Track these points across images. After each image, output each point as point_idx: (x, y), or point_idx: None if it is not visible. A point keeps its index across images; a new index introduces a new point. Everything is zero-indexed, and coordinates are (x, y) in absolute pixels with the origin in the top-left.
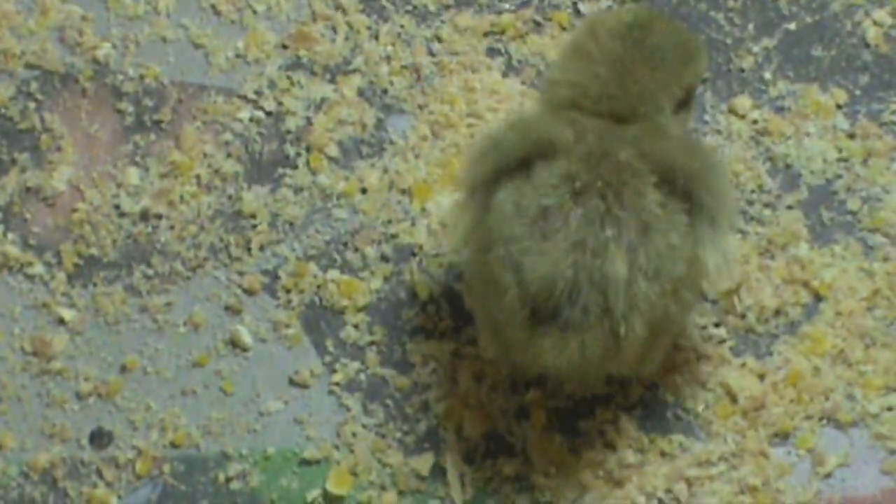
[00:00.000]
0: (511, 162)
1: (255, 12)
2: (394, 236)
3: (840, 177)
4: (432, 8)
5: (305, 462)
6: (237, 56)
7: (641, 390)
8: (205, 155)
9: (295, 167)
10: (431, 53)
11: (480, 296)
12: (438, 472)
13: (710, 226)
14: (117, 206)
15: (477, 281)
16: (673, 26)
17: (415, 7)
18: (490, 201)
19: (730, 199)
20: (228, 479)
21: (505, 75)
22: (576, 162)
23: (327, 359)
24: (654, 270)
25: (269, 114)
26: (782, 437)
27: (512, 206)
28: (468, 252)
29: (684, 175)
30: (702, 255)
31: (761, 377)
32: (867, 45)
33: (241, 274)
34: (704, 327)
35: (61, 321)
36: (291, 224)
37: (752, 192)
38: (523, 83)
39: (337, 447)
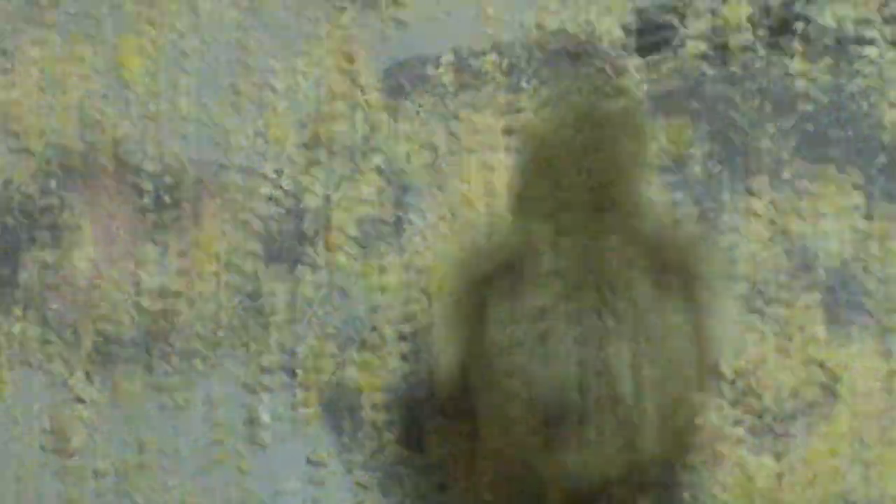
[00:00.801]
0: (493, 268)
1: (274, 91)
2: (412, 315)
3: (857, 258)
4: (450, 87)
5: None
6: (257, 135)
7: (657, 471)
8: (224, 234)
9: (313, 246)
10: (450, 132)
11: (486, 404)
12: None
13: (709, 294)
14: (136, 285)
15: (482, 391)
16: (610, 111)
17: (433, 86)
18: (478, 309)
19: (725, 264)
20: None
21: None
22: (563, 257)
23: (345, 439)
24: (657, 355)
25: (288, 192)
26: None
27: (505, 313)
28: (466, 364)
29: (675, 249)
30: (706, 325)
31: (777, 458)
32: (884, 127)
33: (259, 353)
34: (720, 408)
35: (79, 400)
36: (310, 303)
37: (768, 272)
38: None
39: None
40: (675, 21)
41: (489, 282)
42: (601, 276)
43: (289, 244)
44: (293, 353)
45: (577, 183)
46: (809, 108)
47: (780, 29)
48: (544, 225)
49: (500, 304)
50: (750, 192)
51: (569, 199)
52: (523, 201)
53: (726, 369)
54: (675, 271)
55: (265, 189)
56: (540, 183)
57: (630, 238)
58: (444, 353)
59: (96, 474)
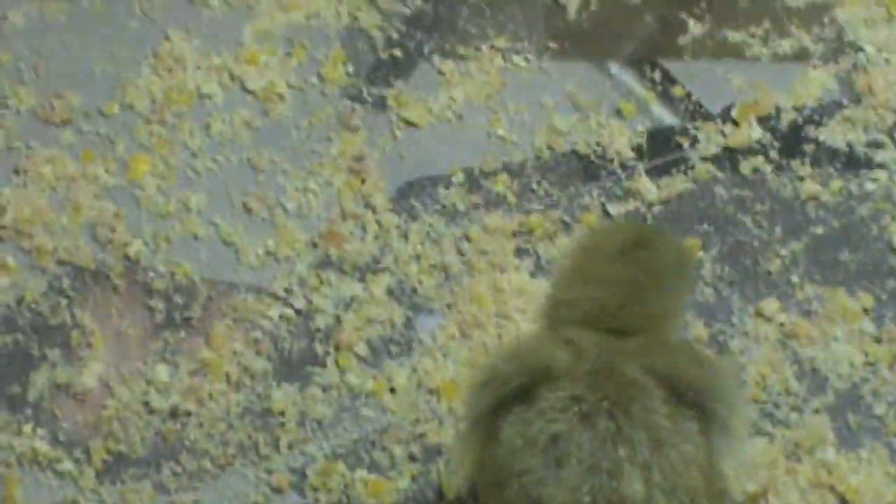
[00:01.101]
0: (511, 392)
1: (285, 210)
2: (422, 436)
3: (867, 381)
4: (461, 208)
5: None
6: (267, 254)
7: None
8: (234, 352)
9: (324, 365)
10: (460, 253)
11: None
12: None
13: (723, 435)
14: (146, 403)
15: None
16: (669, 241)
17: (444, 207)
18: (493, 432)
19: (741, 406)
20: None
21: (533, 276)
22: (579, 383)
23: None
24: (670, 485)
25: (298, 312)
26: None
27: (520, 438)
28: (480, 486)
29: (692, 387)
30: (719, 464)
31: None
32: (894, 250)
33: (269, 472)
34: None
35: None
36: (320, 422)
37: (779, 395)
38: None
39: None
40: (686, 143)
41: (505, 406)
42: (617, 404)
43: (299, 364)
44: (303, 473)
45: (612, 299)
46: (820, 230)
47: (790, 152)
48: (562, 352)
49: (514, 429)
50: (760, 315)
51: (600, 313)
52: (557, 305)
53: (737, 495)
54: (691, 405)
55: (276, 308)
56: (578, 289)
57: (650, 368)
58: (457, 476)
59: None
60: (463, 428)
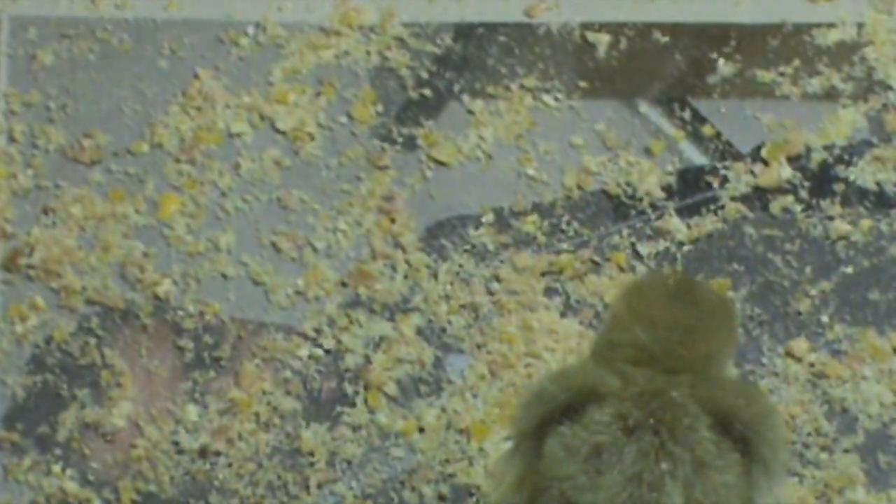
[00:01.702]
0: (555, 411)
1: (315, 250)
2: (451, 476)
3: None
4: (491, 247)
5: None
6: (297, 293)
7: None
8: (264, 392)
9: (353, 405)
10: (490, 293)
11: None
12: None
13: (764, 472)
14: (176, 443)
15: None
16: (709, 288)
17: (473, 246)
18: (536, 451)
19: (784, 448)
20: None
21: (563, 315)
22: (627, 403)
23: None
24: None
25: (327, 351)
26: None
27: (563, 450)
28: (519, 496)
29: (741, 422)
30: (757, 501)
31: None
32: None
33: None
34: None
35: None
36: (349, 462)
37: (809, 435)
38: (581, 323)
39: None
40: (716, 183)
41: (551, 424)
42: (662, 422)
43: (329, 404)
44: None
45: (661, 342)
46: (850, 270)
47: (820, 191)
48: (611, 377)
49: (558, 441)
50: (790, 355)
51: (649, 356)
52: (608, 346)
53: None
54: (736, 439)
55: (305, 348)
56: (629, 333)
57: (698, 398)
58: (496, 494)
59: None
60: (507, 446)
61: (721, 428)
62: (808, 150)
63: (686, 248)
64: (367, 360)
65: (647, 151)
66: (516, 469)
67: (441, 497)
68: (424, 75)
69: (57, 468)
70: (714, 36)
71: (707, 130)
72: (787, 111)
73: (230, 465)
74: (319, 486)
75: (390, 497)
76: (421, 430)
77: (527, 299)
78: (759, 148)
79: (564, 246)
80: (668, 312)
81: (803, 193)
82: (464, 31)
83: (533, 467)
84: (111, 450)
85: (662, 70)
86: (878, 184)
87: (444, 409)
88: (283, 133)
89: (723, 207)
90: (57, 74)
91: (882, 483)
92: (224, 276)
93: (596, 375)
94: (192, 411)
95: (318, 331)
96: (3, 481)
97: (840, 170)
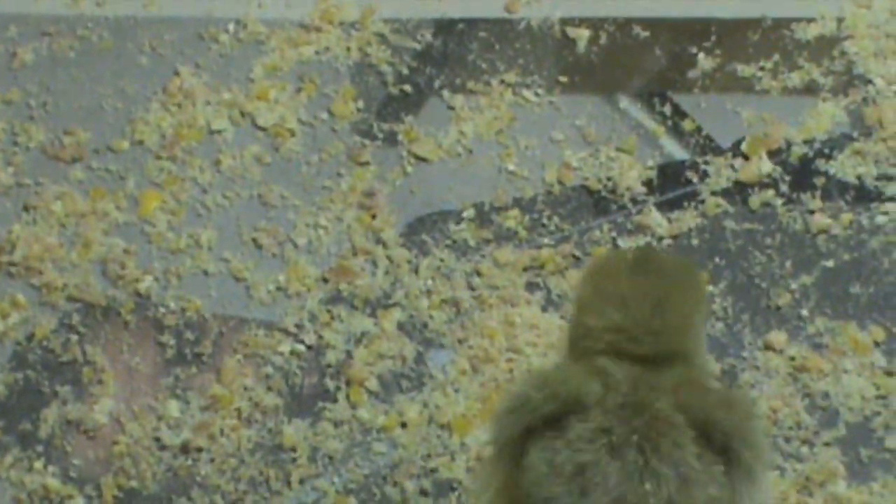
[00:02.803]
0: (538, 420)
1: (296, 246)
2: (433, 471)
3: (878, 414)
4: (472, 243)
5: None
6: (278, 289)
7: None
8: (245, 388)
9: (335, 401)
10: (471, 288)
11: None
12: None
13: (747, 480)
14: (158, 439)
15: None
16: (671, 258)
17: (454, 242)
18: (519, 459)
19: (766, 453)
20: None
21: (544, 310)
22: (610, 415)
23: None
24: None
25: (309, 347)
26: None
27: (546, 466)
28: None
29: (722, 431)
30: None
31: None
32: None
33: None
34: None
35: None
36: (331, 458)
37: (790, 428)
38: (562, 318)
39: None
40: (696, 177)
41: (534, 433)
42: (646, 438)
43: (310, 399)
44: None
45: (631, 318)
46: (830, 264)
47: (800, 185)
48: (592, 382)
49: (541, 455)
50: (770, 348)
51: (623, 337)
52: (579, 337)
53: None
54: (718, 448)
55: (286, 344)
56: (597, 315)
57: (681, 407)
58: (480, 501)
59: None
60: (489, 453)
61: (704, 437)
62: (789, 144)
63: (666, 242)
64: (349, 355)
65: (628, 146)
66: (500, 475)
67: (423, 492)
68: (405, 71)
69: (39, 465)
70: (694, 31)
71: (687, 125)
72: (767, 105)
73: (212, 460)
74: (301, 482)
75: (372, 492)
76: (403, 425)
77: (508, 294)
78: (739, 142)
79: (545, 241)
80: (634, 286)
81: (783, 187)
82: (444, 27)
83: (515, 478)
84: (93, 446)
85: (642, 65)
86: (858, 177)
87: (425, 404)
88: (264, 129)
89: (703, 202)
90: (37, 72)
91: (863, 476)
92: (205, 272)
93: (580, 383)
94: (174, 407)
95: (299, 326)
96: None
97: (820, 164)
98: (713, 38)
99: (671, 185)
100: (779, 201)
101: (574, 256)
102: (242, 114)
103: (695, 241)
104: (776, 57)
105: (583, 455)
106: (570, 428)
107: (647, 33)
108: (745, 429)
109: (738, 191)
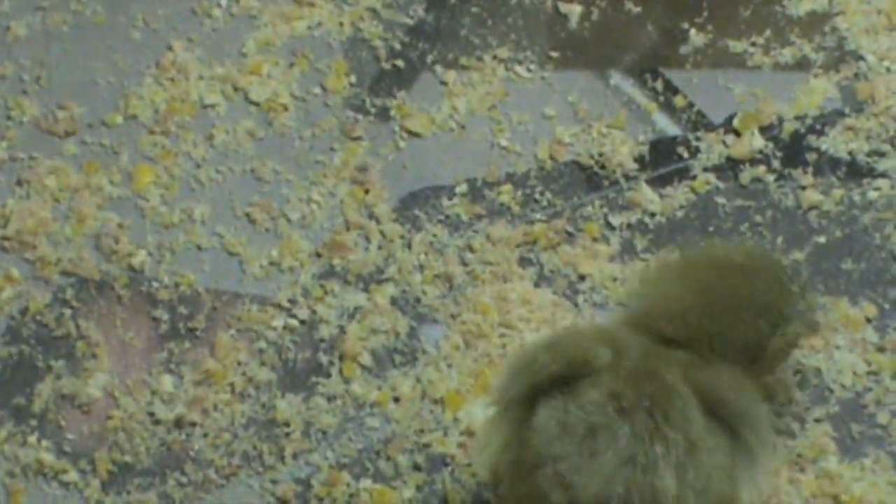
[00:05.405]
0: (545, 380)
1: (289, 221)
2: (426, 445)
3: (870, 390)
4: (465, 218)
5: None
6: (271, 264)
7: None
8: (239, 363)
9: (328, 376)
10: (464, 263)
11: None
12: None
13: (749, 462)
14: (151, 414)
15: (521, 500)
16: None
17: (447, 217)
18: (524, 419)
19: (770, 438)
20: None
21: (537, 285)
22: (620, 381)
23: None
24: (702, 488)
25: (302, 322)
26: None
27: (556, 425)
28: (506, 472)
29: (729, 412)
30: (738, 489)
31: None
32: None
33: (274, 482)
34: None
35: None
36: (324, 433)
37: (781, 405)
38: (555, 293)
39: None
40: (687, 153)
41: (543, 392)
42: (655, 404)
43: (304, 374)
44: (308, 483)
45: (692, 315)
46: (822, 240)
47: (792, 161)
48: (602, 348)
49: (551, 414)
50: None
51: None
52: (647, 315)
53: None
54: (725, 422)
55: (280, 319)
56: (664, 295)
57: (691, 381)
58: (480, 458)
59: None
60: (493, 411)
61: (710, 413)
62: (780, 120)
63: (658, 218)
64: (342, 330)
65: (619, 122)
66: (502, 435)
67: (416, 466)
68: (397, 46)
69: (33, 439)
70: (686, 6)
71: (679, 101)
72: (758, 81)
73: (206, 435)
74: (295, 456)
75: (365, 467)
76: (396, 399)
77: (501, 269)
78: (731, 118)
79: (538, 216)
80: (726, 284)
81: (775, 163)
82: (436, 2)
83: (518, 435)
84: (87, 421)
85: (634, 40)
86: (850, 153)
87: (418, 380)
88: (257, 104)
89: (695, 178)
90: (30, 46)
91: (855, 452)
92: (199, 247)
93: (588, 346)
94: (168, 382)
95: (292, 301)
96: None
97: (812, 140)
98: (705, 13)
99: (663, 160)
100: (770, 177)
101: (566, 232)
102: (235, 89)
103: (686, 217)
104: (768, 33)
105: (594, 417)
106: (579, 392)
107: (638, 9)
108: (752, 413)
109: (730, 167)
